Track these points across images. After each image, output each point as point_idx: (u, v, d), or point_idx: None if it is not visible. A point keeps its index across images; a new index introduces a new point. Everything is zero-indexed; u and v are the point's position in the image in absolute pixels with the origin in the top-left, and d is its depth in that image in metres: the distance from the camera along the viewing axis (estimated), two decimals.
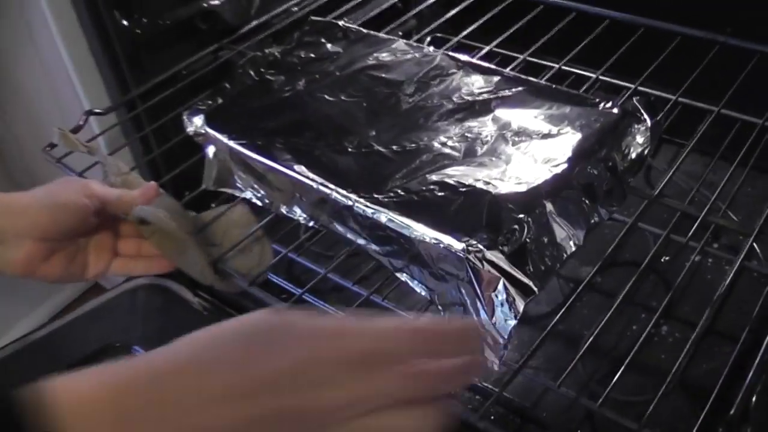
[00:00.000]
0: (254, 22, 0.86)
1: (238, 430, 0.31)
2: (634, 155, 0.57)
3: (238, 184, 0.63)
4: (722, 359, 0.55)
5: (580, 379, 0.65)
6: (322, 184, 0.55)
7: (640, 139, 0.58)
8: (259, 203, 0.62)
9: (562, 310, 0.53)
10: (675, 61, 0.74)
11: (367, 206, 0.52)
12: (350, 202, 0.53)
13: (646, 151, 0.58)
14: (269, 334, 0.33)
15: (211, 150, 0.65)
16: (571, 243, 0.51)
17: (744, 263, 0.62)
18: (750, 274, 0.58)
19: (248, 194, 0.63)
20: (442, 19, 0.84)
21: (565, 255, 0.50)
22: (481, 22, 0.82)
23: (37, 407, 0.30)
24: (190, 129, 0.65)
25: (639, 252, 0.66)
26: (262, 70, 0.70)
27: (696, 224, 0.58)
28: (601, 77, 0.75)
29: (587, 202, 0.53)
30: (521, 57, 0.78)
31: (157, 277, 0.76)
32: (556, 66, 0.76)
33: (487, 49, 0.79)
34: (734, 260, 0.61)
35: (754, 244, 0.67)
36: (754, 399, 0.49)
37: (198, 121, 0.65)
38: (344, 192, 0.54)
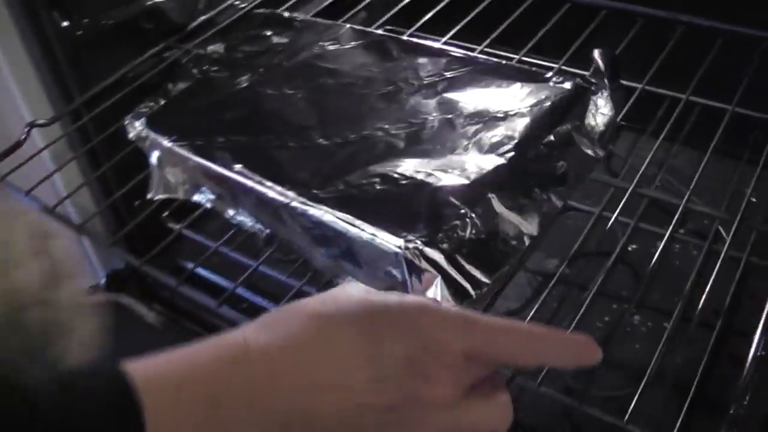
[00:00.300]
0: (201, 18, 0.82)
1: (346, 418, 0.30)
2: (602, 125, 0.54)
3: (181, 190, 0.60)
4: (697, 346, 0.53)
5: (555, 376, 0.63)
6: (259, 183, 0.52)
7: (603, 107, 0.55)
8: (208, 206, 0.59)
9: (537, 305, 0.51)
10: (637, 47, 0.72)
11: (304, 203, 0.49)
12: (287, 200, 0.50)
13: (617, 117, 0.56)
14: (381, 320, 0.32)
15: (154, 155, 0.61)
16: (524, 236, 0.47)
17: (713, 247, 0.61)
18: (717, 257, 0.56)
19: (197, 198, 0.60)
20: (394, 10, 0.82)
21: (517, 250, 0.46)
22: (434, 12, 0.80)
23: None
24: (132, 134, 0.62)
25: (603, 240, 0.64)
26: (206, 67, 0.67)
27: (678, 214, 0.56)
28: (563, 68, 0.73)
29: (538, 189, 0.49)
30: (478, 48, 0.76)
31: (107, 293, 0.73)
32: (516, 57, 0.74)
33: (442, 41, 0.76)
34: (704, 246, 0.60)
35: (720, 228, 0.65)
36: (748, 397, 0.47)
37: (139, 125, 0.62)
38: (280, 189, 0.51)
